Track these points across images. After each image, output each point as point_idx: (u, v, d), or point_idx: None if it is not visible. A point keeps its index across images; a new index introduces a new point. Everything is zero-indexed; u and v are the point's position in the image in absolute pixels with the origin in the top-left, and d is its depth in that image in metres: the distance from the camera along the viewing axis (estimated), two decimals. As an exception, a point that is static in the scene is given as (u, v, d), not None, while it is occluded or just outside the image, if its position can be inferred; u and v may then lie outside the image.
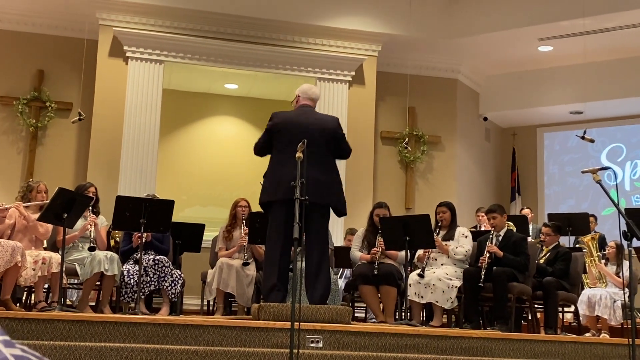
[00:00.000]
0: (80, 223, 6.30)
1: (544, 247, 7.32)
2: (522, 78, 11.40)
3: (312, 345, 4.65)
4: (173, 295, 6.57)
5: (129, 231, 6.75)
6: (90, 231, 6.27)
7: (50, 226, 6.24)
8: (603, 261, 7.95)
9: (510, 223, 7.61)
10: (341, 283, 7.73)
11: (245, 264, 6.78)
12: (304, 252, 5.66)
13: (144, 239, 6.32)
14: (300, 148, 4.70)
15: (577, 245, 8.49)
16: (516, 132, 12.27)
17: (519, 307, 6.86)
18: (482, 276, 6.37)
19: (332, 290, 6.65)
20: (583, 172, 4.96)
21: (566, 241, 8.62)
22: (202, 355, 4.43)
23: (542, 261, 7.09)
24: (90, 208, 6.36)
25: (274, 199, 5.51)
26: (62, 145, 9.64)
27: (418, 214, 7.21)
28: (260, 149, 5.77)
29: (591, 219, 9.15)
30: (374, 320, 7.11)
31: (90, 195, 6.43)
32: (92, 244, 6.17)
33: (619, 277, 7.44)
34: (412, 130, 10.71)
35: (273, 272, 5.46)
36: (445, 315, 6.83)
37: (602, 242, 8.62)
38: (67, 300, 7.16)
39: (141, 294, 6.33)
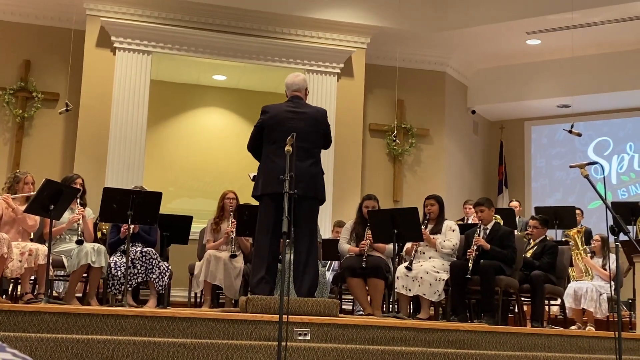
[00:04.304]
0: (67, 215, 6.26)
1: (531, 241, 7.35)
2: (510, 71, 11.42)
3: (299, 337, 4.65)
4: (160, 287, 6.55)
5: (117, 223, 6.72)
6: (78, 224, 6.25)
7: (37, 218, 6.20)
8: (589, 254, 8.00)
9: (498, 216, 7.63)
10: (329, 275, 7.73)
11: (233, 256, 6.77)
12: (292, 245, 5.66)
13: (131, 230, 6.29)
14: (290, 141, 4.70)
15: (564, 239, 8.52)
16: (504, 125, 12.31)
17: (505, 300, 6.89)
18: (470, 269, 6.39)
19: (320, 282, 6.65)
20: (571, 166, 4.98)
21: (553, 234, 8.65)
22: (189, 348, 4.42)
23: (529, 254, 7.12)
24: (77, 200, 6.33)
25: (264, 193, 5.52)
26: (49, 136, 9.58)
27: (406, 207, 7.22)
28: (253, 147, 5.74)
29: (577, 212, 9.19)
30: (361, 312, 7.13)
31: (77, 186, 6.40)
32: (79, 237, 6.14)
33: (605, 270, 7.49)
34: (400, 122, 10.71)
35: (262, 264, 5.48)
36: (432, 308, 6.85)
37: (588, 236, 8.67)
38: (54, 292, 7.13)
39: (128, 286, 6.31)
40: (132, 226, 6.28)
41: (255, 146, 5.70)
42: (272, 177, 5.37)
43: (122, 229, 6.62)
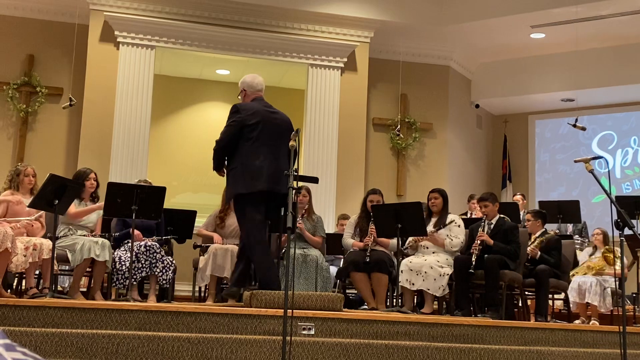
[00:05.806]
0: (74, 207, 6.29)
1: (531, 236, 7.33)
2: (514, 65, 11.39)
3: (304, 332, 4.66)
4: (165, 282, 6.55)
5: (121, 218, 6.72)
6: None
7: (43, 230, 6.24)
8: (590, 249, 8.00)
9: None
10: (333, 270, 7.73)
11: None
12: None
13: (148, 241, 6.48)
14: (294, 137, 4.68)
15: (596, 258, 8.35)
16: (508, 119, 12.29)
17: (509, 295, 6.89)
18: (473, 264, 6.38)
19: (324, 277, 6.68)
20: (576, 161, 4.96)
21: (555, 229, 8.63)
22: (194, 342, 4.43)
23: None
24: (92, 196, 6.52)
25: (254, 190, 5.46)
26: (52, 131, 9.58)
27: (410, 201, 7.21)
28: (227, 144, 5.61)
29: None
30: (365, 307, 7.13)
31: (92, 181, 6.50)
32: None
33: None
34: (404, 117, 10.70)
35: (270, 262, 5.56)
36: (436, 302, 6.85)
37: (585, 231, 8.66)
38: (59, 286, 7.15)
39: (133, 280, 6.32)
40: (150, 240, 6.51)
41: (230, 143, 5.60)
42: (261, 174, 5.40)
43: (138, 236, 6.59)
